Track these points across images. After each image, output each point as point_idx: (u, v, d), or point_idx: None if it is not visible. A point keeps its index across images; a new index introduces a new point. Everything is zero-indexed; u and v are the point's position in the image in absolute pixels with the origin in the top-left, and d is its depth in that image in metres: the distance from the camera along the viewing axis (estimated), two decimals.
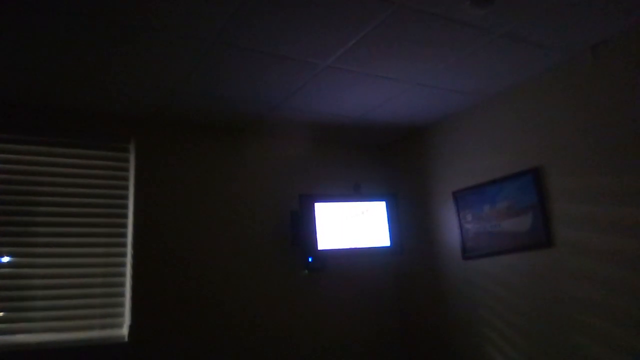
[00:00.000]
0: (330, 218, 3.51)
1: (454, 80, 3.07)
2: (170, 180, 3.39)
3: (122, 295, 3.13)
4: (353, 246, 3.54)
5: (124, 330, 3.06)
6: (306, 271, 3.56)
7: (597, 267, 2.67)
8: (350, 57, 2.70)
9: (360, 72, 2.90)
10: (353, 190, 3.95)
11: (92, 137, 3.25)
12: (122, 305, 3.11)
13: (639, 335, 2.47)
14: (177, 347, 3.14)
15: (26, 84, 2.84)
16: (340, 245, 3.49)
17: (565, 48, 2.74)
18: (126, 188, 3.30)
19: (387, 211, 3.70)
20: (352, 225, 3.57)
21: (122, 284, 3.15)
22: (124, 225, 3.24)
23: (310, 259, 3.48)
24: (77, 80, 2.83)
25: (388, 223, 3.68)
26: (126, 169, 3.33)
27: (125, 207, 3.27)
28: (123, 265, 3.17)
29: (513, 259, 3.13)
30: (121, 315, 3.10)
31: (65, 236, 3.06)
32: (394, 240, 3.67)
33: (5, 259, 2.91)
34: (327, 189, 3.85)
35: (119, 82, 2.88)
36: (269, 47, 2.57)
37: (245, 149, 3.72)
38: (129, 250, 3.19)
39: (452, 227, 3.59)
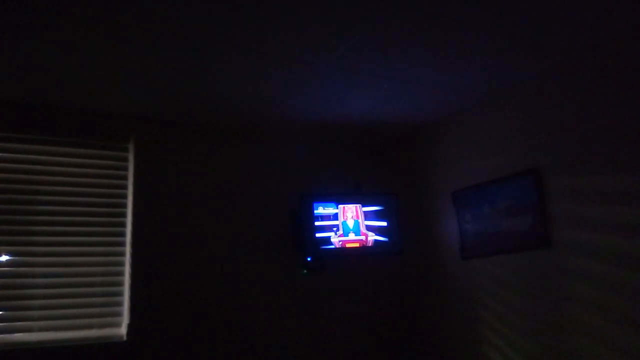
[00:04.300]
0: (329, 217, 3.51)
1: (454, 80, 3.07)
2: (170, 180, 3.39)
3: (120, 294, 3.13)
4: (352, 246, 3.54)
5: (123, 330, 3.06)
6: (305, 271, 3.55)
7: (595, 267, 2.67)
8: (350, 56, 2.70)
9: (360, 71, 2.89)
10: (353, 189, 3.95)
11: (91, 136, 3.25)
12: (120, 304, 3.11)
13: (638, 335, 2.47)
14: (176, 347, 3.14)
15: (25, 83, 2.83)
16: (340, 245, 3.49)
17: (565, 48, 2.74)
18: (125, 187, 3.30)
19: (386, 211, 3.70)
20: (351, 224, 3.57)
21: (121, 283, 3.15)
22: (123, 225, 3.23)
23: (309, 259, 3.47)
24: (76, 79, 2.82)
25: (387, 223, 3.68)
26: (125, 168, 3.32)
27: (124, 206, 3.26)
28: (122, 264, 3.17)
29: (512, 259, 3.13)
30: (120, 314, 3.10)
31: (64, 235, 3.06)
32: (394, 240, 3.67)
33: (4, 258, 2.91)
34: (327, 188, 3.85)
35: (118, 81, 2.88)
36: (268, 47, 2.56)
37: (245, 148, 3.72)
38: (128, 249, 3.19)
39: (451, 227, 3.59)
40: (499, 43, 2.63)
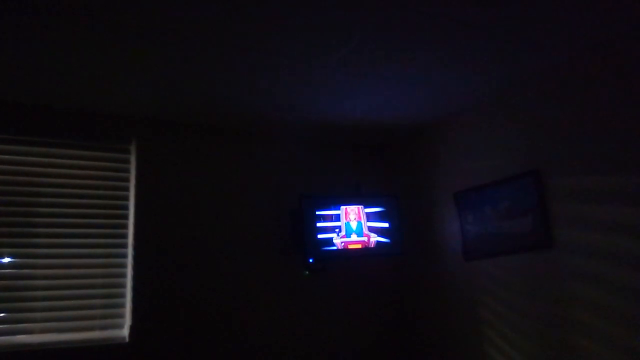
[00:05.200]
0: (331, 219, 3.51)
1: (454, 80, 3.06)
2: (171, 181, 3.39)
3: (122, 296, 3.13)
4: (354, 247, 3.53)
5: (125, 331, 3.06)
6: (307, 272, 3.55)
7: (597, 268, 2.66)
8: (351, 57, 2.70)
9: (361, 72, 2.89)
10: (354, 190, 3.94)
11: (93, 137, 3.25)
12: (122, 306, 3.11)
13: (638, 336, 2.46)
14: (178, 348, 3.14)
15: (26, 83, 2.84)
16: (342, 246, 3.49)
17: (565, 48, 2.74)
18: (127, 189, 3.30)
19: (388, 212, 3.70)
20: (354, 225, 3.56)
21: (123, 285, 3.14)
22: (125, 226, 3.24)
23: (311, 260, 3.46)
24: (78, 81, 2.83)
25: (389, 224, 3.68)
26: (127, 170, 3.33)
27: (126, 207, 3.27)
28: (124, 266, 3.17)
29: (514, 260, 3.12)
30: (122, 316, 3.09)
31: (66, 237, 3.06)
32: (395, 241, 3.66)
33: (6, 260, 2.91)
34: (328, 189, 3.85)
35: (118, 82, 2.88)
36: (269, 47, 2.56)
37: (245, 148, 3.72)
38: (130, 251, 3.19)
39: (453, 228, 3.58)
40: (499, 43, 2.63)
